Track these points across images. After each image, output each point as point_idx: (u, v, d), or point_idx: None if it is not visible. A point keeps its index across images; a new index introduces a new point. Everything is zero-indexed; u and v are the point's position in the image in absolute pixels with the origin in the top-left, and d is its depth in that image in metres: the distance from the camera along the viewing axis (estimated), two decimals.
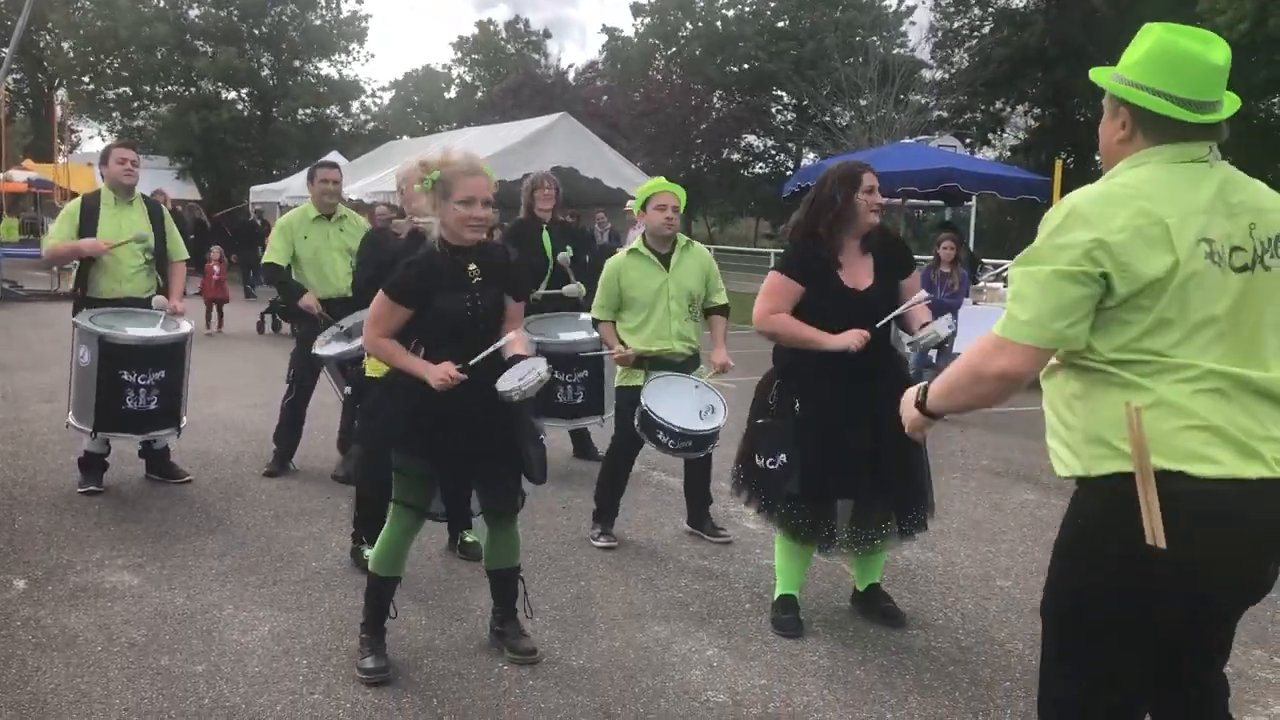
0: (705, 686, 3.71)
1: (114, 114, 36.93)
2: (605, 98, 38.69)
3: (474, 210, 3.49)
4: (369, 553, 4.63)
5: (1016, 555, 5.29)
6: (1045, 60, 32.42)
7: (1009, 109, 36.73)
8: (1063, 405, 2.19)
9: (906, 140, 22.22)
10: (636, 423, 4.90)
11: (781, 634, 4.17)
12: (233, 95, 35.61)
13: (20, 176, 27.90)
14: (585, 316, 6.46)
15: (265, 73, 35.91)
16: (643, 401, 4.85)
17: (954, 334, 4.02)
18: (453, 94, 49.02)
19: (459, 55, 49.91)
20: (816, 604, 4.53)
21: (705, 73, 40.25)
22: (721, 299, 5.35)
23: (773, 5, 42.27)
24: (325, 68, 37.40)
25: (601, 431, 6.77)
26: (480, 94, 45.41)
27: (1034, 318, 2.06)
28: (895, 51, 33.79)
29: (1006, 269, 15.51)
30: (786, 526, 4.13)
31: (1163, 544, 1.97)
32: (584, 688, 3.67)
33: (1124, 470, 2.04)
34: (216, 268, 14.45)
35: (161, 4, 35.01)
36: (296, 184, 21.56)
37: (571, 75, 40.84)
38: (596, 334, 5.57)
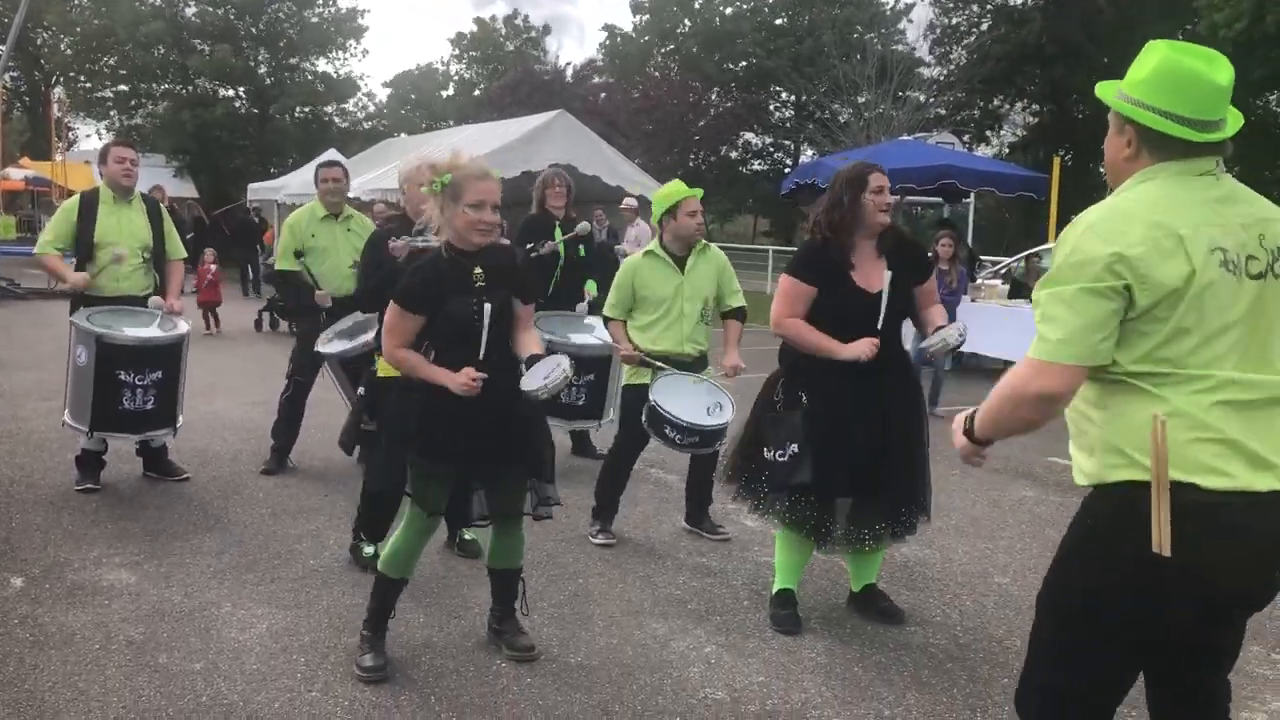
0: (703, 683, 3.71)
1: (111, 112, 36.88)
2: (603, 95, 38.67)
3: (483, 214, 3.49)
4: (368, 550, 4.65)
5: (1015, 552, 5.30)
6: (1043, 57, 32.43)
7: (1007, 106, 36.73)
8: (1083, 414, 2.23)
9: (905, 137, 22.21)
10: (644, 418, 4.90)
11: (779, 629, 4.18)
12: (230, 93, 35.54)
13: (17, 174, 27.90)
14: (594, 320, 6.46)
15: (262, 70, 35.85)
16: (651, 397, 4.85)
17: (964, 340, 4.03)
18: (450, 91, 48.97)
19: (457, 52, 49.90)
20: (815, 601, 4.53)
21: (703, 70, 40.23)
22: (737, 301, 5.33)
23: (770, 2, 42.24)
24: (322, 65, 37.38)
25: (600, 430, 6.78)
26: (478, 91, 45.35)
27: (1066, 336, 2.09)
28: (893, 49, 33.72)
29: (1005, 266, 15.55)
30: (791, 520, 4.13)
31: (1168, 553, 2.00)
32: (582, 685, 3.67)
33: (1136, 479, 2.08)
34: (212, 269, 14.26)
35: (158, 2, 34.95)
36: (294, 182, 21.52)
37: (570, 73, 40.80)
38: (606, 338, 5.56)
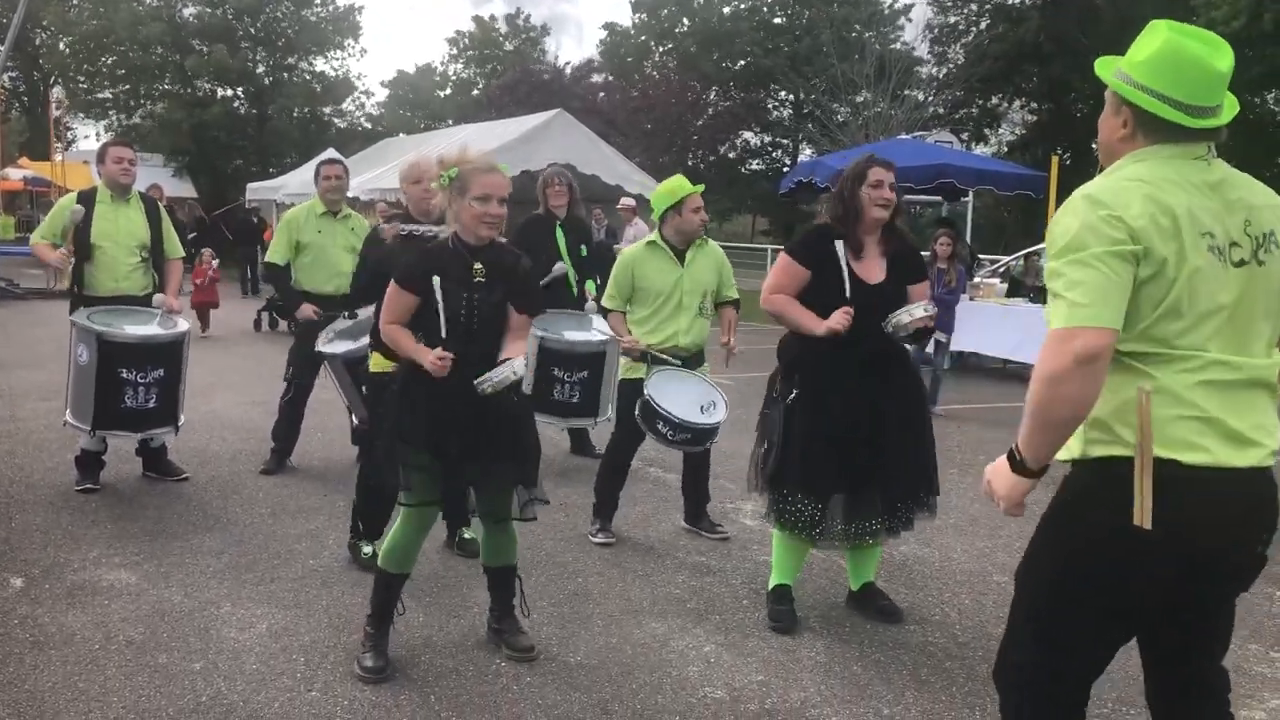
0: (703, 682, 3.72)
1: (110, 112, 36.85)
2: (602, 94, 38.64)
3: (490, 207, 3.53)
4: (367, 549, 4.66)
5: (1014, 551, 5.30)
6: (1041, 56, 32.42)
7: (1005, 105, 36.73)
8: None
9: (903, 136, 22.21)
10: (637, 412, 4.91)
11: (775, 625, 4.19)
12: (228, 93, 35.50)
13: (16, 175, 27.90)
14: (591, 316, 6.46)
15: (260, 70, 35.82)
16: (645, 391, 4.86)
17: (930, 314, 4.01)
18: (448, 90, 48.89)
19: (454, 52, 49.81)
20: (814, 600, 4.54)
21: (701, 69, 40.21)
22: (732, 294, 5.41)
23: (769, 1, 42.22)
24: (320, 64, 37.35)
25: (599, 429, 6.78)
26: (477, 91, 45.29)
27: (1096, 298, 2.02)
28: (892, 48, 33.72)
29: (1004, 265, 15.55)
30: (781, 516, 4.14)
31: (1149, 525, 2.03)
32: (581, 684, 3.68)
33: (1118, 454, 2.10)
34: (212, 265, 14.14)
35: (155, 2, 34.91)
36: (293, 181, 21.53)
37: (569, 71, 40.77)
38: (602, 336, 5.56)
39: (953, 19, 36.24)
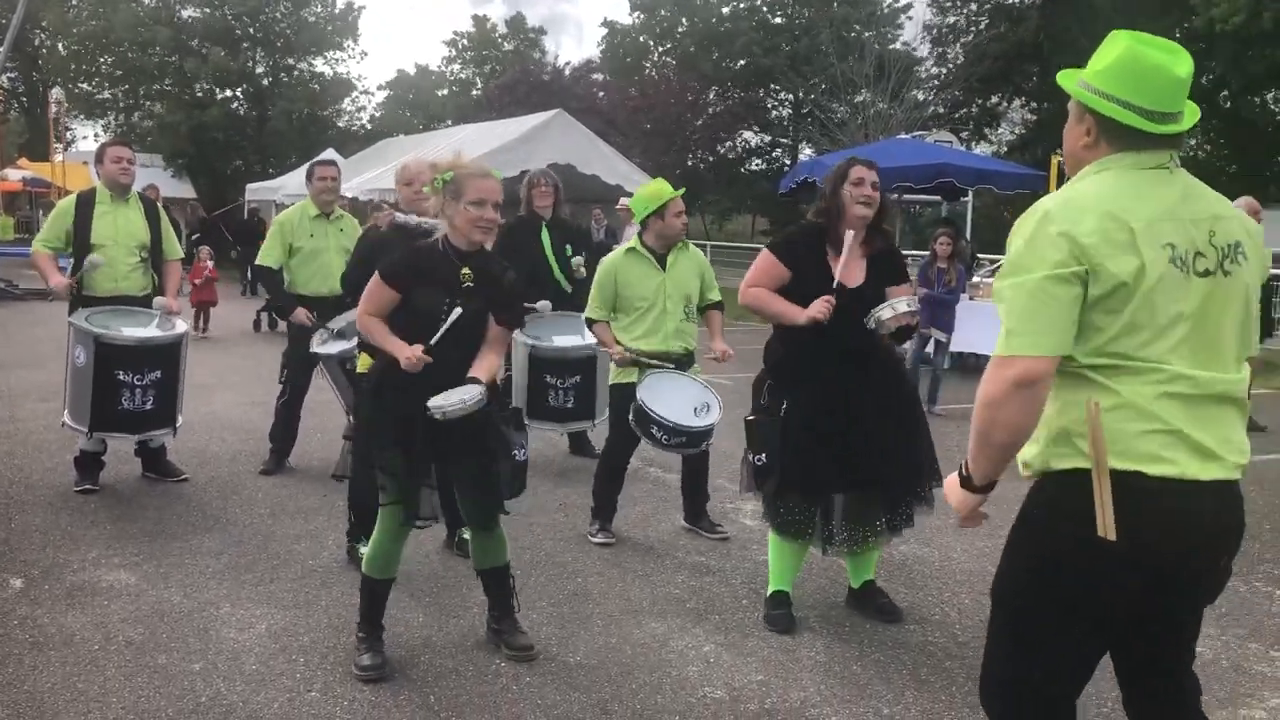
0: (702, 682, 3.72)
1: (109, 113, 36.82)
2: (601, 95, 38.61)
3: (484, 212, 3.54)
4: (363, 550, 4.64)
5: None
6: (1041, 55, 32.41)
7: (1005, 104, 36.71)
8: None
9: (902, 135, 22.20)
10: (631, 418, 4.91)
11: (773, 630, 4.18)
12: (227, 94, 35.46)
13: (15, 175, 27.89)
14: (579, 316, 6.45)
15: (260, 70, 35.80)
16: (638, 397, 4.85)
17: (913, 308, 4.00)
18: (446, 91, 48.86)
19: (452, 53, 49.78)
20: (813, 600, 4.53)
21: (700, 69, 40.19)
22: (716, 296, 5.41)
23: (769, 0, 42.20)
24: (320, 65, 37.32)
25: (598, 429, 6.78)
26: (476, 91, 45.26)
27: (1032, 328, 2.07)
28: (891, 47, 33.71)
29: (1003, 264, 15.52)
30: (776, 522, 4.15)
31: (1113, 536, 2.04)
32: (581, 684, 3.67)
33: (1082, 467, 2.11)
34: (208, 265, 14.08)
35: (153, 3, 34.87)
36: (292, 182, 21.52)
37: (568, 72, 40.74)
38: (591, 339, 5.55)
39: (952, 19, 36.23)
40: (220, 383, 9.74)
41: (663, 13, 43.14)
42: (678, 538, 5.41)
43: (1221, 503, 2.14)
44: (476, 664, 3.81)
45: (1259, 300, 2.24)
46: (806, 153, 39.32)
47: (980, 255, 17.03)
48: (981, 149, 34.72)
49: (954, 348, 10.06)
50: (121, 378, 5.55)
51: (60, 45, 36.11)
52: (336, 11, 36.60)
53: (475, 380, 3.58)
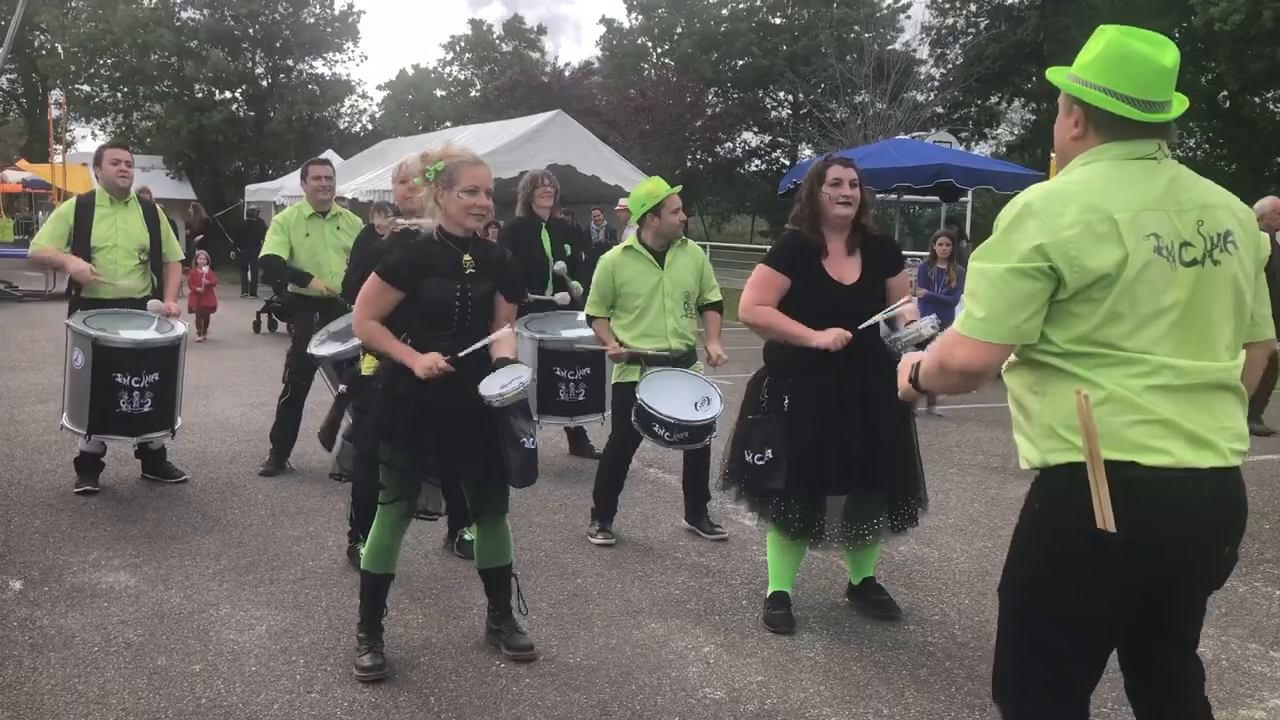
0: (702, 683, 3.72)
1: (108, 115, 36.80)
2: (601, 99, 38.60)
3: (478, 199, 3.56)
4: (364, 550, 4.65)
5: None
6: (1040, 56, 32.42)
7: (1004, 105, 36.71)
8: (1022, 399, 2.27)
9: (902, 136, 22.21)
10: (633, 418, 4.91)
11: (773, 630, 4.18)
12: (227, 96, 35.44)
13: (15, 177, 27.87)
14: (576, 313, 6.46)
15: (259, 71, 35.79)
16: (638, 397, 4.86)
17: (938, 333, 4.02)
18: (445, 92, 48.82)
19: (450, 56, 49.73)
20: (813, 600, 4.54)
21: (699, 70, 40.18)
22: (715, 296, 5.41)
23: (770, 1, 42.20)
24: (319, 67, 37.31)
25: (598, 429, 6.78)
26: (475, 92, 45.23)
27: (989, 314, 2.14)
28: (890, 48, 33.70)
29: None
30: (777, 521, 4.14)
31: (1112, 528, 2.05)
32: (581, 685, 3.67)
33: (1077, 460, 2.12)
34: (205, 273, 13.95)
35: (152, 4, 34.84)
36: (291, 183, 21.50)
37: (568, 73, 40.72)
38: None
39: (950, 20, 36.24)
40: (219, 384, 9.75)
41: (661, 13, 43.12)
42: (677, 538, 5.41)
43: (1220, 490, 2.14)
44: (476, 665, 3.81)
45: (1252, 287, 2.23)
46: (806, 154, 39.28)
47: None
48: (981, 149, 34.73)
49: None
50: (120, 380, 5.55)
51: (59, 47, 36.10)
52: (336, 14, 36.60)
53: (508, 360, 3.63)
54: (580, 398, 6.49)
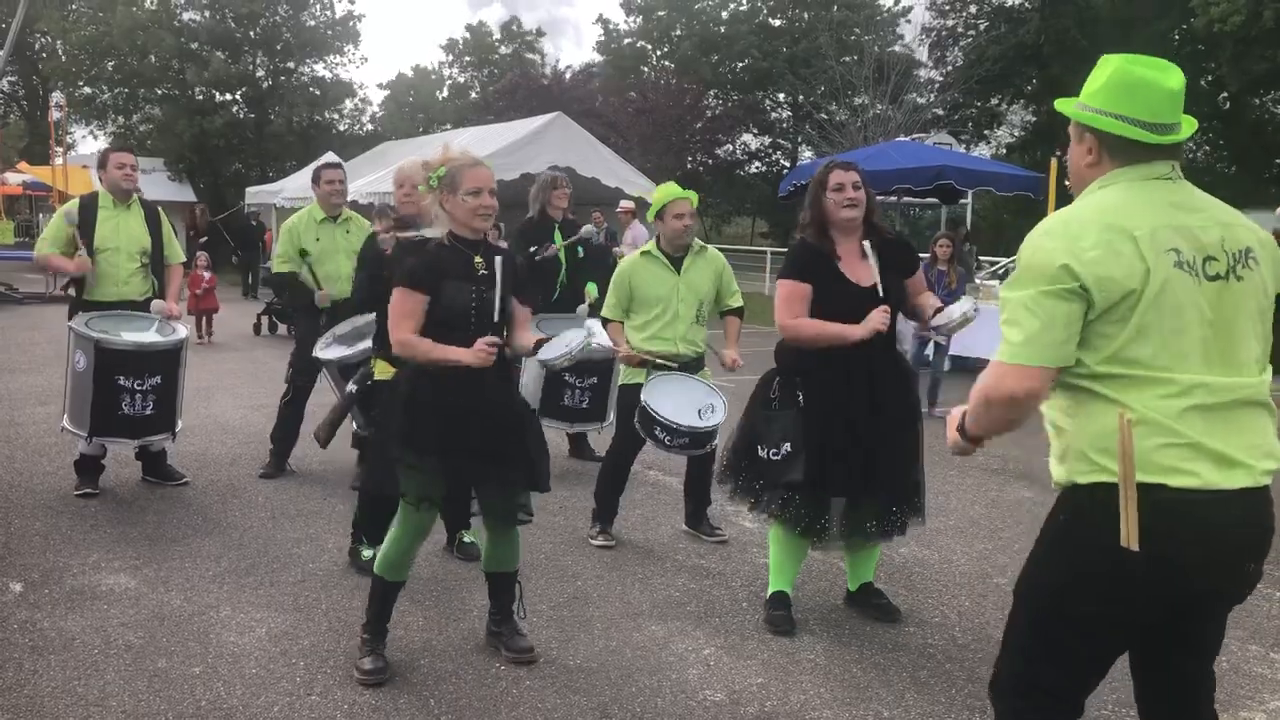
0: (702, 685, 3.72)
1: (108, 117, 36.81)
2: (600, 100, 38.61)
3: (483, 199, 3.57)
4: (367, 553, 4.65)
5: (1013, 553, 5.29)
6: (1040, 57, 32.46)
7: (1004, 106, 36.73)
8: (1055, 422, 2.30)
9: (902, 138, 22.22)
10: (636, 420, 4.91)
11: (774, 631, 4.18)
12: (227, 98, 35.46)
13: (15, 179, 27.86)
14: (586, 320, 6.45)
15: (260, 74, 35.81)
16: (642, 399, 4.86)
17: (978, 313, 4.04)
18: (445, 93, 48.80)
19: (450, 58, 49.71)
20: (813, 602, 4.53)
21: (699, 72, 40.20)
22: (737, 302, 5.40)
23: (770, 3, 42.21)
24: (320, 69, 37.32)
25: (600, 433, 6.78)
26: (474, 94, 45.24)
27: (1027, 338, 2.16)
28: (890, 50, 33.72)
29: (1003, 266, 15.54)
30: (783, 517, 4.14)
31: (1136, 547, 2.07)
32: (581, 687, 3.67)
33: (1104, 481, 2.14)
34: (205, 275, 13.89)
35: (152, 5, 34.86)
36: (292, 185, 21.52)
37: (568, 75, 40.73)
38: (605, 342, 5.56)
39: (950, 22, 36.26)
40: (220, 386, 9.75)
41: (660, 14, 43.14)
42: (677, 541, 5.41)
43: (1248, 510, 2.16)
44: (476, 667, 3.81)
45: (1273, 306, 2.27)
46: (806, 155, 39.29)
47: (980, 257, 17.06)
48: (981, 151, 34.74)
49: (954, 350, 10.06)
50: (122, 383, 5.55)
51: (60, 49, 36.12)
52: (336, 18, 36.62)
53: (545, 339, 3.75)
54: (584, 405, 6.50)
